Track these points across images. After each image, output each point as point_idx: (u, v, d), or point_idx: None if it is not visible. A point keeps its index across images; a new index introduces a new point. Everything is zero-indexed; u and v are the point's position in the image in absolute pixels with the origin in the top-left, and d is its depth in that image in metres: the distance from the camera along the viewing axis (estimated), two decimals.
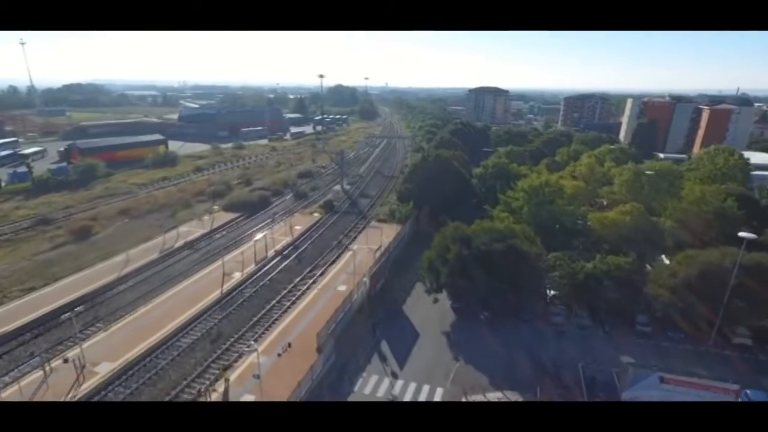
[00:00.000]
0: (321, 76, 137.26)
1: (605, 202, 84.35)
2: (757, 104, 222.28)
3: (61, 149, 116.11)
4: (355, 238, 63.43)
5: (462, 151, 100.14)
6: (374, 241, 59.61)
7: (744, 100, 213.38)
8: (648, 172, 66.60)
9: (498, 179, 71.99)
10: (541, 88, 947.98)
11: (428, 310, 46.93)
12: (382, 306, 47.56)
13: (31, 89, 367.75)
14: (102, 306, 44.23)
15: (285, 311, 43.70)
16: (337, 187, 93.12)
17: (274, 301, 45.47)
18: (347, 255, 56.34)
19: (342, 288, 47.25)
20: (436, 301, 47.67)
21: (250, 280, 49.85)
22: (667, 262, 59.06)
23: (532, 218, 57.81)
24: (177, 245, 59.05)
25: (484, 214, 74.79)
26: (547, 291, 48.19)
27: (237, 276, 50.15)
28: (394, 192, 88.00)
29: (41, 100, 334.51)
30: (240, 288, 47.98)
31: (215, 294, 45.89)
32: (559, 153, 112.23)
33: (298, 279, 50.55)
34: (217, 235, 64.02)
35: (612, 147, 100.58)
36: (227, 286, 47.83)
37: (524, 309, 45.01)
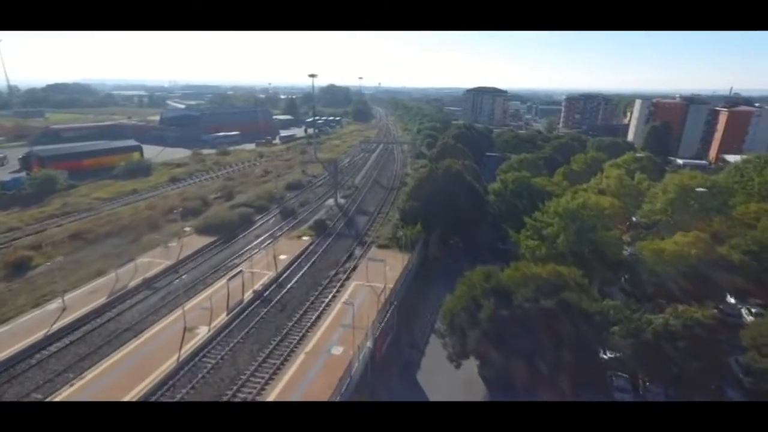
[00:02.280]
0: (312, 76, 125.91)
1: (634, 218, 74.29)
2: (756, 105, 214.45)
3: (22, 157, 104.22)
4: (353, 271, 52.38)
5: (469, 159, 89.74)
6: (376, 275, 48.74)
7: (746, 102, 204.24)
8: (699, 189, 56.23)
9: (520, 197, 61.25)
10: (534, 88, 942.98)
11: (450, 379, 36.00)
12: (390, 375, 36.63)
13: (13, 89, 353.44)
14: (13, 384, 32.84)
15: (260, 391, 32.52)
16: (330, 201, 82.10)
17: (246, 374, 34.26)
18: (345, 296, 45.41)
19: (337, 351, 36.18)
20: (459, 365, 36.75)
21: (219, 339, 38.61)
22: (731, 302, 49.13)
23: (569, 249, 47.23)
24: (132, 284, 47.67)
25: (503, 236, 64.41)
26: (602, 352, 37.51)
27: (202, 332, 38.92)
28: (395, 208, 77.18)
29: (22, 100, 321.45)
30: (204, 352, 36.74)
31: (170, 363, 34.63)
32: (574, 161, 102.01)
33: (280, 336, 39.35)
34: (185, 269, 52.66)
35: (639, 155, 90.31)
36: (187, 348, 36.59)
37: (580, 379, 34.27)
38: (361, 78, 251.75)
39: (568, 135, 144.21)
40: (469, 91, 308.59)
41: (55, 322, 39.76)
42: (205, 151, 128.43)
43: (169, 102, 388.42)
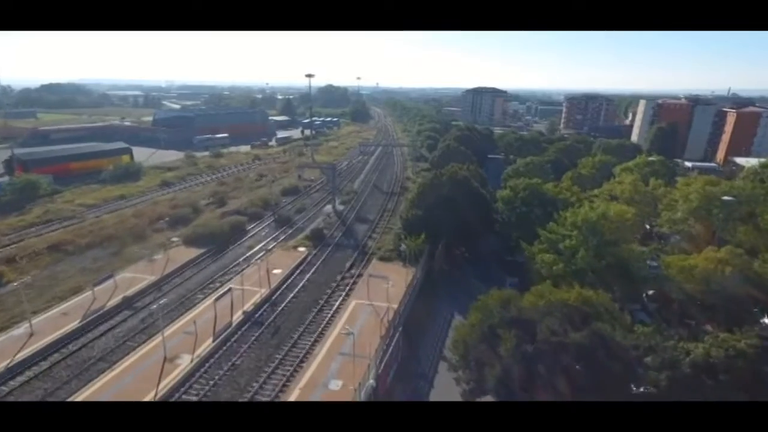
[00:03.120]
0: (309, 76, 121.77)
1: (647, 226, 70.51)
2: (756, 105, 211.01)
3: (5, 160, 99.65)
4: (353, 287, 48.25)
5: (474, 164, 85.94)
6: (378, 293, 44.82)
7: (750, 102, 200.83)
8: (725, 198, 52.27)
9: (531, 205, 57.18)
10: (531, 88, 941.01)
11: None
12: None
13: (7, 89, 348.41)
14: None
15: None
16: (328, 208, 77.94)
17: None
18: (344, 317, 41.36)
19: (336, 386, 32.07)
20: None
21: (202, 371, 34.40)
22: (766, 322, 45.19)
23: (590, 265, 43.25)
24: (111, 304, 43.44)
25: (512, 247, 60.45)
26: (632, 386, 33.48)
27: (184, 362, 34.73)
28: (397, 215, 73.18)
29: (15, 100, 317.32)
30: (185, 387, 32.53)
31: (145, 401, 30.44)
32: (581, 164, 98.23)
33: (272, 366, 35.15)
34: (169, 286, 48.43)
35: (652, 159, 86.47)
36: (167, 382, 32.39)
37: None
38: (359, 78, 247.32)
39: (573, 137, 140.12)
40: (468, 91, 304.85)
41: (19, 351, 35.48)
42: (199, 154, 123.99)
43: (164, 102, 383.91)
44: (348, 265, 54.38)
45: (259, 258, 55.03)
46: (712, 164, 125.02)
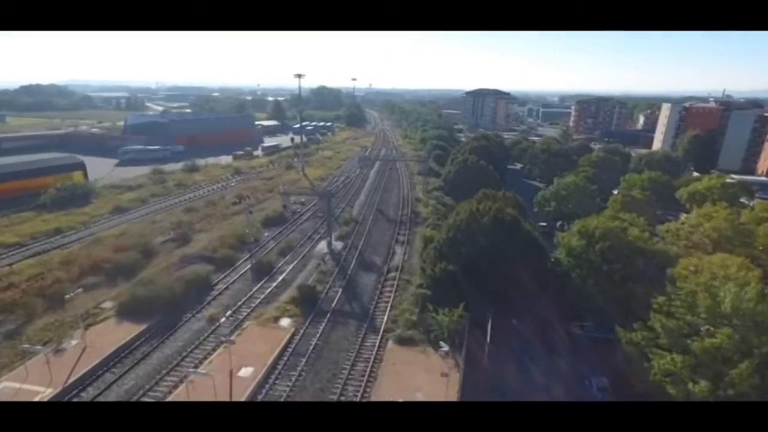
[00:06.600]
0: (299, 76, 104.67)
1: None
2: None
3: None
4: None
5: (511, 190, 69.68)
6: None
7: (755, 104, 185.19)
8: None
9: (609, 261, 39.99)
10: (525, 89, 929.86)
11: None
12: None
13: None
14: None
15: None
16: (322, 246, 60.50)
17: None
18: None
19: None
20: None
21: None
22: None
23: (753, 386, 26.37)
24: None
25: (580, 311, 43.57)
26: None
27: None
28: (411, 257, 56.22)
29: None
30: None
31: None
32: (626, 182, 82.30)
33: None
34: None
35: (730, 180, 69.95)
36: None
37: None
38: (354, 79, 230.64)
39: (606, 148, 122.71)
40: (469, 93, 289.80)
41: None
42: (169, 168, 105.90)
43: (148, 104, 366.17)
44: (353, 354, 36.88)
45: (221, 341, 37.49)
46: (764, 178, 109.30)
